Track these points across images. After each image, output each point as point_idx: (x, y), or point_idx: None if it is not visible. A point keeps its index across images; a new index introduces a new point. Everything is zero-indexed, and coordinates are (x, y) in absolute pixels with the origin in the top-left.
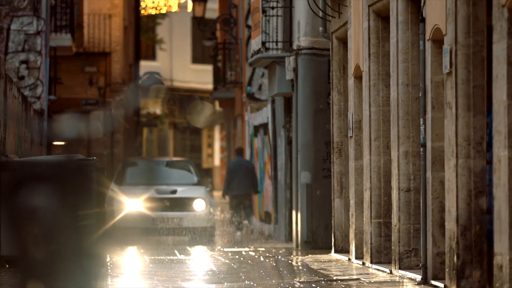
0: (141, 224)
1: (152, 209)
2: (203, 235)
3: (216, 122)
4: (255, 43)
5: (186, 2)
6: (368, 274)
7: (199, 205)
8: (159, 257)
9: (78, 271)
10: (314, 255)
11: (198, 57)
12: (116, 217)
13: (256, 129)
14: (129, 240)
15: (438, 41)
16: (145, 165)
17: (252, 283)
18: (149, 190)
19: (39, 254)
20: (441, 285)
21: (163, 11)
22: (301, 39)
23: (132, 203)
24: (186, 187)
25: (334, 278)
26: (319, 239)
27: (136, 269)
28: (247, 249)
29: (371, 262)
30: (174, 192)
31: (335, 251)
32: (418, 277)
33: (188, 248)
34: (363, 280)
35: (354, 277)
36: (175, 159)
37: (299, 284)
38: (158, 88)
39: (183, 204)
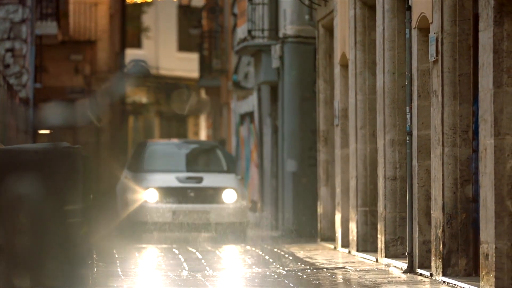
0: (159, 219)
1: (173, 200)
2: (234, 232)
3: (202, 110)
4: (241, 31)
5: None
6: (354, 262)
7: (230, 197)
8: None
9: (64, 263)
10: (300, 244)
11: (184, 45)
12: (129, 210)
13: (242, 117)
14: (144, 238)
15: (424, 29)
16: (164, 148)
17: (238, 271)
18: (169, 178)
19: (24, 243)
20: (427, 273)
21: None
22: (287, 27)
23: (148, 194)
24: (213, 174)
25: (320, 266)
26: (305, 227)
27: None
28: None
29: (357, 251)
30: (200, 180)
31: (321, 240)
32: (404, 266)
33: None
34: (349, 269)
35: (340, 265)
36: (200, 141)
37: (285, 272)
38: (143, 76)
39: (210, 195)
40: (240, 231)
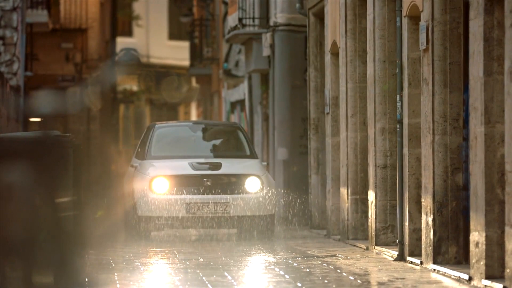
0: (171, 213)
1: (186, 191)
2: (258, 227)
3: (192, 98)
4: (232, 20)
5: None
6: (344, 250)
7: (253, 185)
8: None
9: (55, 252)
10: (290, 232)
11: (174, 34)
12: (137, 203)
13: (233, 105)
14: (153, 236)
15: (414, 18)
16: (175, 131)
17: (228, 259)
18: (181, 165)
19: (14, 231)
20: (418, 261)
21: None
22: (278, 16)
23: (157, 184)
24: (234, 160)
25: (311, 254)
26: (296, 215)
27: None
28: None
29: (348, 238)
30: (218, 167)
31: (312, 227)
32: (395, 253)
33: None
34: (340, 257)
35: (331, 253)
36: (216, 121)
37: (275, 260)
38: (134, 64)
39: (230, 183)
40: (266, 226)
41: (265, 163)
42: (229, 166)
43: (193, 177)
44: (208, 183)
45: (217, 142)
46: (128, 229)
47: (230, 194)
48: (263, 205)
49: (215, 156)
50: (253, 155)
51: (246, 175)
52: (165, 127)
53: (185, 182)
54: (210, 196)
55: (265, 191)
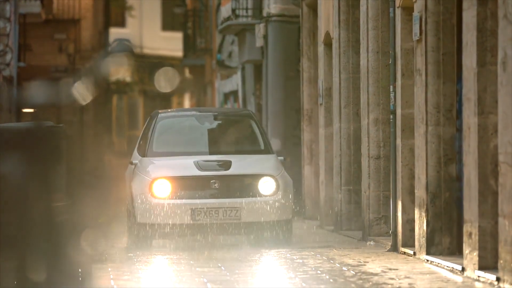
0: (175, 220)
1: (191, 195)
2: (274, 233)
3: (186, 89)
4: (225, 10)
5: None
6: (338, 241)
7: (268, 186)
8: None
9: (47, 243)
10: None
11: (168, 24)
12: (136, 209)
13: (226, 96)
14: (154, 247)
15: (408, 8)
16: (180, 122)
17: (221, 252)
18: (185, 164)
19: (6, 222)
20: (411, 252)
21: None
22: (271, 6)
23: (157, 186)
24: (246, 157)
25: (304, 245)
26: None
27: None
28: None
29: (341, 229)
30: (227, 165)
31: (305, 218)
32: (388, 244)
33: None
34: (333, 247)
35: (324, 244)
36: (228, 110)
37: (267, 251)
38: (127, 55)
39: (241, 185)
40: (282, 234)
41: (282, 158)
42: (239, 164)
43: (199, 178)
44: (216, 185)
45: (227, 134)
46: (129, 235)
47: (241, 198)
48: (279, 209)
49: (224, 152)
50: (268, 150)
51: (259, 176)
52: (169, 117)
53: (189, 184)
54: (218, 200)
55: (280, 193)
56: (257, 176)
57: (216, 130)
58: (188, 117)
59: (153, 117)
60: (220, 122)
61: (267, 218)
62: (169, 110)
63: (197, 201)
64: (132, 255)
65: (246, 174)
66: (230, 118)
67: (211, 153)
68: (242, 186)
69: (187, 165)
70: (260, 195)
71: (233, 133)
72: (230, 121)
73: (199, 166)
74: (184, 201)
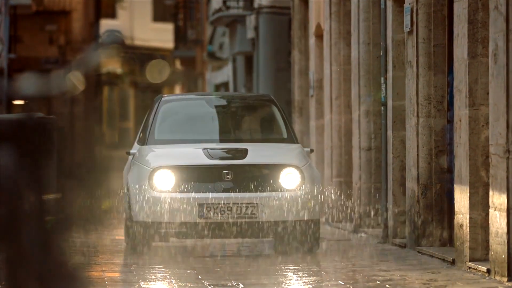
0: (177, 218)
1: (200, 187)
2: (298, 236)
3: (177, 80)
4: (216, 2)
5: None
6: (328, 233)
7: (292, 179)
8: None
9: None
10: None
11: (158, 16)
12: (132, 204)
13: (217, 87)
14: (156, 250)
15: (399, 0)
16: (186, 106)
17: (215, 245)
18: (192, 152)
19: None
20: (402, 243)
21: None
22: None
23: (159, 177)
24: (265, 145)
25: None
26: None
27: None
28: None
29: (332, 221)
30: (243, 154)
31: None
32: (379, 236)
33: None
34: (323, 239)
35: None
36: (244, 94)
37: (257, 240)
38: (118, 46)
39: (259, 176)
40: (308, 236)
41: (308, 149)
42: (257, 153)
43: (209, 168)
44: (229, 176)
45: (243, 121)
46: (125, 237)
47: (259, 192)
48: (304, 208)
49: (240, 140)
50: (292, 139)
51: (281, 166)
52: (174, 100)
53: (197, 176)
54: (232, 194)
55: (307, 187)
56: (278, 167)
57: (230, 116)
58: (196, 100)
59: (155, 102)
60: (235, 107)
61: (291, 217)
62: (173, 94)
63: (206, 195)
64: (124, 246)
65: (266, 164)
66: (248, 103)
67: (223, 141)
68: (260, 178)
69: (194, 153)
70: (282, 189)
71: (251, 119)
72: (248, 106)
73: (208, 154)
74: (190, 195)
